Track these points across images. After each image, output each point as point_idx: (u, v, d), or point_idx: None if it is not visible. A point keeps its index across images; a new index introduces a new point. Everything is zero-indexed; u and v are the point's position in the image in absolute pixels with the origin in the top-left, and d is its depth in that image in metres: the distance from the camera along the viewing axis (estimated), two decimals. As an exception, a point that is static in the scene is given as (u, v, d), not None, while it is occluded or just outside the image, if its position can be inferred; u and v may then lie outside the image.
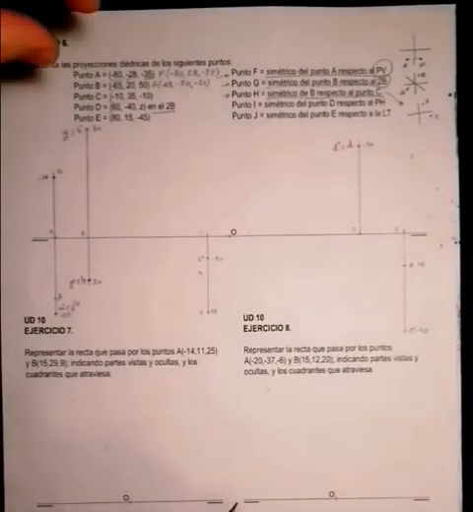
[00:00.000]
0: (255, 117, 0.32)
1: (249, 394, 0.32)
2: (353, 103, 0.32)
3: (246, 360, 0.32)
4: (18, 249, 0.32)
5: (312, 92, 0.32)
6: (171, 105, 0.32)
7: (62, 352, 0.32)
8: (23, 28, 0.28)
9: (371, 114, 0.32)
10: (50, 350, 0.32)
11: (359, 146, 0.32)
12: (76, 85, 0.32)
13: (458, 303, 0.32)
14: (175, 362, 0.32)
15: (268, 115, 0.32)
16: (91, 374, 0.32)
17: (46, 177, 0.32)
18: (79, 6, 0.29)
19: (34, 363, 0.32)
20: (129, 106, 0.32)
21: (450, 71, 0.32)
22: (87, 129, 0.32)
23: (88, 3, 0.29)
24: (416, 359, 0.32)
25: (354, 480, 0.32)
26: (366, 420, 0.32)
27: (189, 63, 0.32)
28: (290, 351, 0.32)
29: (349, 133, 0.32)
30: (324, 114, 0.32)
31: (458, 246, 0.32)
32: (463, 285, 0.32)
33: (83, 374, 0.32)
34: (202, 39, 0.32)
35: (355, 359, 0.32)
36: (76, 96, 0.32)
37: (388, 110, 0.32)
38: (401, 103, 0.32)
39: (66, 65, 0.32)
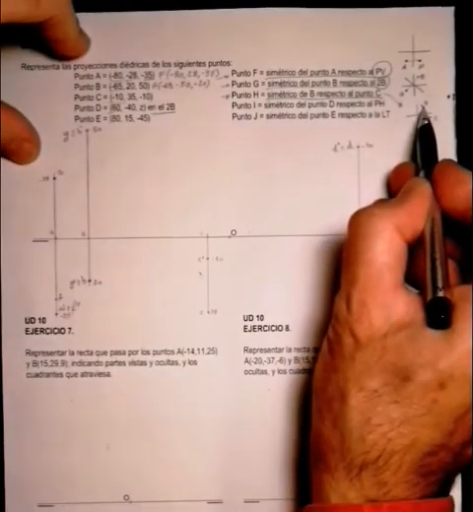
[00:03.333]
0: (255, 118, 0.32)
1: (249, 394, 0.32)
2: (352, 105, 0.32)
3: (246, 360, 0.32)
4: (18, 250, 0.32)
5: (312, 93, 0.32)
6: (172, 106, 0.32)
7: (63, 353, 0.32)
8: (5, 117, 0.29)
9: (370, 115, 0.32)
10: (51, 350, 0.32)
11: (358, 147, 0.32)
12: (76, 86, 0.32)
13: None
14: (176, 363, 0.32)
15: (268, 116, 0.32)
16: (91, 374, 0.32)
17: (47, 178, 0.32)
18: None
19: (35, 364, 0.32)
20: (129, 107, 0.32)
21: (449, 73, 0.32)
22: (87, 130, 0.32)
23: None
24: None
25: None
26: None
27: (189, 64, 0.32)
28: (290, 351, 0.32)
29: (348, 134, 0.32)
30: (324, 115, 0.32)
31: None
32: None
33: (83, 374, 0.32)
34: (202, 41, 0.32)
35: (354, 359, 0.32)
36: (76, 97, 0.32)
37: (388, 111, 0.32)
38: (400, 105, 0.32)
39: (66, 66, 0.32)
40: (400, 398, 0.24)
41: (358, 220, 0.26)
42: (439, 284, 0.25)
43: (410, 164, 0.31)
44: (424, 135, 0.31)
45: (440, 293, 0.25)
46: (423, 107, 0.31)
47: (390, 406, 0.25)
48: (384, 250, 0.25)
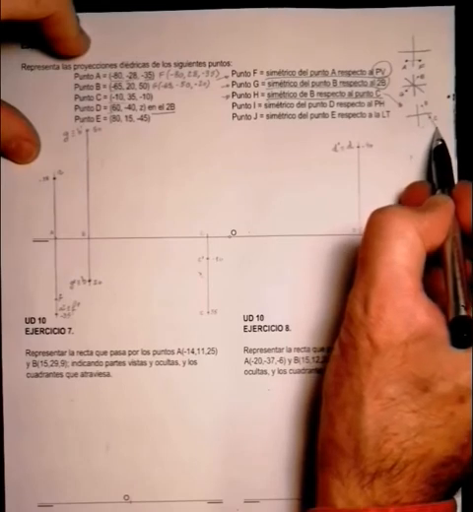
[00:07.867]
0: (255, 118, 0.32)
1: (249, 394, 0.32)
2: (352, 105, 0.32)
3: (246, 360, 0.32)
4: (18, 250, 0.32)
5: (312, 93, 0.32)
6: (172, 106, 0.32)
7: (63, 353, 0.32)
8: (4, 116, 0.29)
9: (370, 115, 0.32)
10: (51, 350, 0.32)
11: (358, 147, 0.32)
12: (76, 86, 0.32)
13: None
14: (176, 363, 0.32)
15: (268, 116, 0.32)
16: (91, 374, 0.32)
17: (47, 178, 0.32)
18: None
19: (35, 364, 0.32)
20: (129, 107, 0.32)
21: (449, 73, 0.32)
22: (87, 130, 0.32)
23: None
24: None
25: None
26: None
27: (189, 64, 0.32)
28: (290, 351, 0.32)
29: (348, 134, 0.32)
30: (324, 115, 0.32)
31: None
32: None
33: (83, 374, 0.32)
34: (202, 41, 0.32)
35: (354, 359, 0.32)
36: (76, 97, 0.32)
37: (387, 112, 0.32)
38: (400, 105, 0.32)
39: (66, 66, 0.32)
40: (418, 408, 0.24)
41: (378, 218, 0.25)
42: (462, 302, 0.25)
43: (426, 183, 0.31)
44: (439, 155, 0.31)
45: (463, 312, 0.25)
46: (436, 128, 0.31)
47: (407, 415, 0.24)
48: (405, 253, 0.25)
